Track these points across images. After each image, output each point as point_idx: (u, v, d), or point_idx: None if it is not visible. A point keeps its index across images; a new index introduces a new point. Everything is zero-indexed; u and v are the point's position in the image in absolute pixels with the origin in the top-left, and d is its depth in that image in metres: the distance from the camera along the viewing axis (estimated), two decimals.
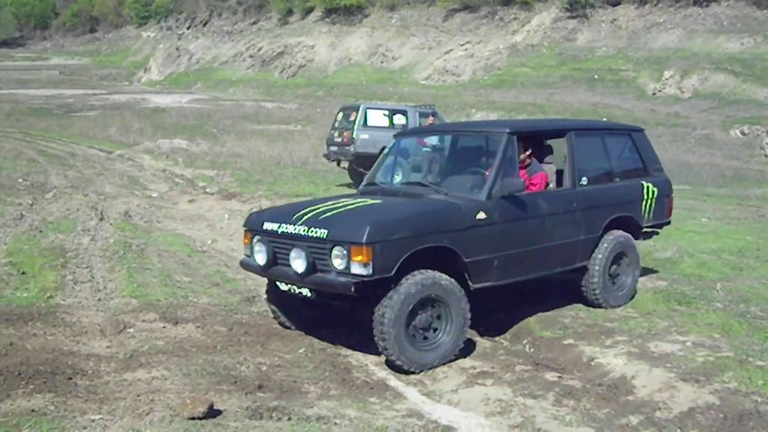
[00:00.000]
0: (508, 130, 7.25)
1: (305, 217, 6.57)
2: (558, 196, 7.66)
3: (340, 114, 20.77)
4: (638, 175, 8.59)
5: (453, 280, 6.44)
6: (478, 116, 37.32)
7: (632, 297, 8.28)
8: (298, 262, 6.33)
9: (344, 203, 6.86)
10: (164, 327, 7.06)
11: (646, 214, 8.51)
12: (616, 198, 8.17)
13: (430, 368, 6.33)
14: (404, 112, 20.44)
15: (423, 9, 57.67)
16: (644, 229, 8.60)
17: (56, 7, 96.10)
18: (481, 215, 6.65)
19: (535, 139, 7.87)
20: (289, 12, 65.95)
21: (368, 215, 6.51)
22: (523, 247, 7.06)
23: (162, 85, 63.86)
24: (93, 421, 4.78)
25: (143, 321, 7.19)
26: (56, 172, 19.51)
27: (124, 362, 6.05)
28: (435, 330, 6.43)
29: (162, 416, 4.86)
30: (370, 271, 6.00)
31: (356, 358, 6.70)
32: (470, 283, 6.65)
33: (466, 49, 51.53)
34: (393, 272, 6.09)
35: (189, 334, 6.90)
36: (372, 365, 6.50)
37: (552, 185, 7.84)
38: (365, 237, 5.99)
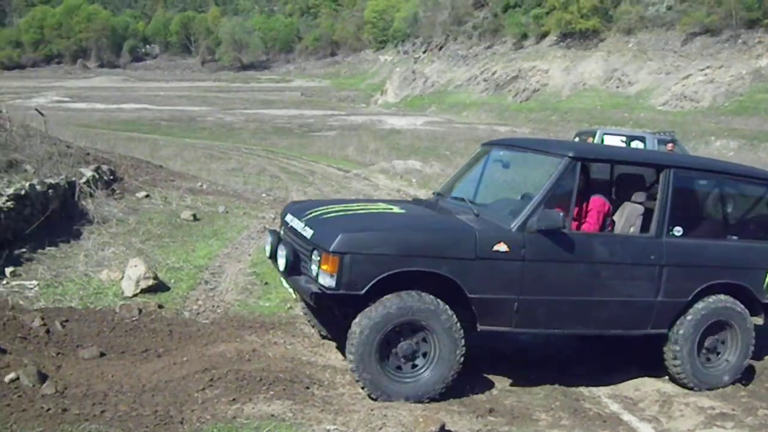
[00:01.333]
0: (571, 154, 6.18)
1: (313, 215, 6.12)
2: (629, 242, 6.46)
3: (576, 139, 20.37)
4: None
5: (442, 304, 5.62)
6: (717, 144, 35.26)
7: (737, 379, 6.81)
8: (281, 259, 5.99)
9: (361, 207, 6.46)
10: None
11: None
12: (723, 259, 6.69)
13: (408, 400, 5.58)
14: (642, 139, 19.66)
15: (661, 33, 55.65)
16: None
17: (300, 32, 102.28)
18: (501, 247, 5.70)
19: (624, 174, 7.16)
20: (524, 36, 66.09)
21: (356, 223, 5.94)
22: (560, 295, 5.99)
23: (397, 107, 65.85)
24: (328, 431, 4.90)
25: None
26: (296, 189, 20.47)
27: None
28: (416, 361, 5.70)
29: None
30: (333, 283, 5.43)
31: (588, 388, 6.44)
32: (477, 324, 5.85)
33: (705, 74, 49.08)
34: (363, 291, 5.45)
35: None
36: (604, 397, 6.26)
37: (633, 228, 6.70)
38: (333, 245, 5.41)
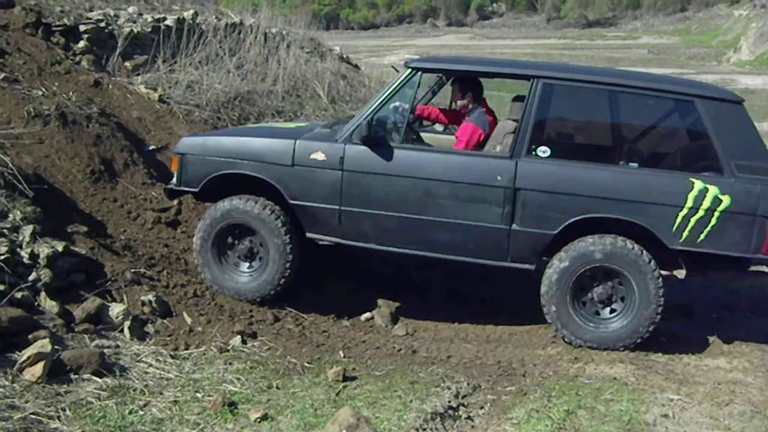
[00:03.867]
0: (413, 64, 5.94)
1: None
2: (470, 161, 5.81)
3: None
4: (695, 168, 5.66)
5: (268, 209, 5.91)
6: None
7: (639, 340, 5.65)
8: None
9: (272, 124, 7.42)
10: None
11: (685, 232, 5.50)
12: (607, 188, 5.56)
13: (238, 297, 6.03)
14: None
15: None
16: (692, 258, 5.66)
17: None
18: (318, 156, 5.79)
19: (474, 81, 6.31)
20: None
21: (223, 132, 6.63)
22: (385, 210, 5.76)
23: (752, 66, 60.51)
24: (671, 400, 4.83)
25: None
26: None
27: (704, 347, 5.96)
28: (253, 263, 6.10)
29: (742, 410, 4.71)
30: (175, 180, 6.15)
31: None
32: (305, 231, 6.00)
33: None
34: (198, 188, 6.05)
35: None
36: None
37: (500, 147, 5.93)
38: (177, 146, 6.25)
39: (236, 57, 10.30)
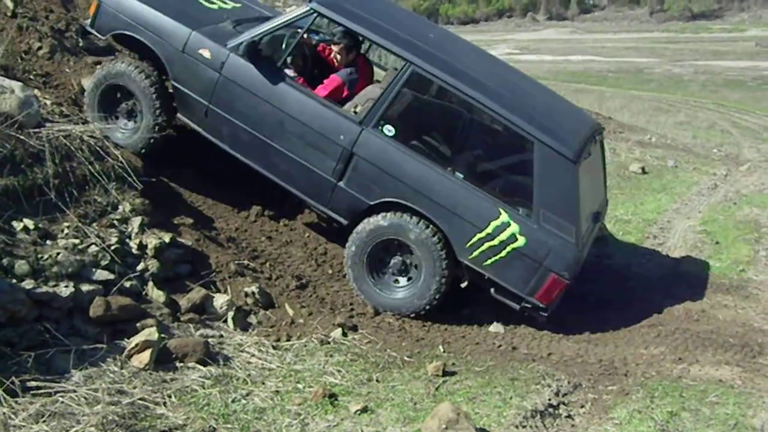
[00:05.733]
0: (312, 4, 6.09)
1: None
2: (325, 111, 6.03)
3: None
4: (511, 201, 5.82)
5: (145, 70, 6.28)
6: None
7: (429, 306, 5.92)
8: None
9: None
10: None
11: (476, 251, 5.79)
12: (422, 185, 5.82)
13: None
14: None
15: None
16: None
17: None
18: (204, 53, 6.17)
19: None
20: None
21: None
22: (243, 123, 6.16)
23: None
24: None
25: None
26: (749, 145, 19.16)
27: None
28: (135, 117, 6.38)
29: None
30: (89, 23, 6.56)
31: None
32: (177, 109, 6.40)
33: None
34: (104, 37, 6.61)
35: None
36: None
37: (359, 108, 6.05)
38: None
39: None
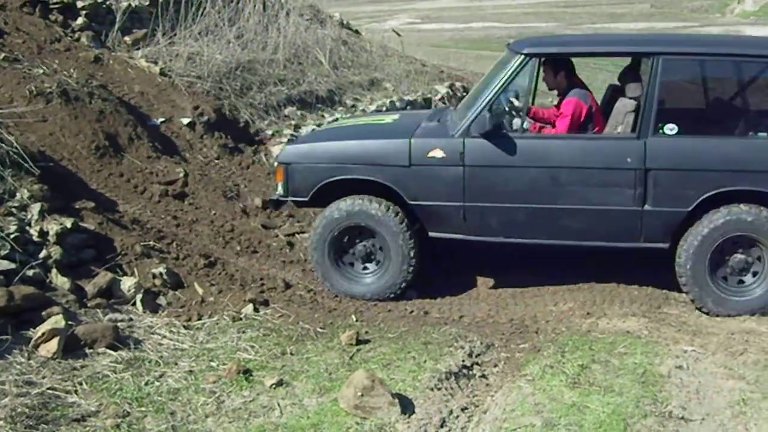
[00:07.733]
0: (525, 50, 5.71)
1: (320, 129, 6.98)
2: (596, 145, 5.74)
3: None
4: None
5: (390, 208, 5.78)
6: None
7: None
8: None
9: (360, 120, 7.05)
10: None
11: None
12: (739, 160, 5.46)
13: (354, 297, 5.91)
14: None
15: None
16: None
17: None
18: (437, 153, 5.66)
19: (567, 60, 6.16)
20: None
21: (321, 135, 6.59)
22: (512, 202, 5.69)
23: (756, 17, 59.81)
24: (685, 352, 4.83)
25: None
26: None
27: None
28: (374, 261, 5.97)
29: (756, 359, 4.70)
30: (281, 191, 6.07)
31: None
32: (428, 231, 5.91)
33: None
34: (308, 197, 5.95)
35: None
36: None
37: (622, 127, 5.79)
38: (280, 156, 6.24)
39: (236, 27, 10.20)
